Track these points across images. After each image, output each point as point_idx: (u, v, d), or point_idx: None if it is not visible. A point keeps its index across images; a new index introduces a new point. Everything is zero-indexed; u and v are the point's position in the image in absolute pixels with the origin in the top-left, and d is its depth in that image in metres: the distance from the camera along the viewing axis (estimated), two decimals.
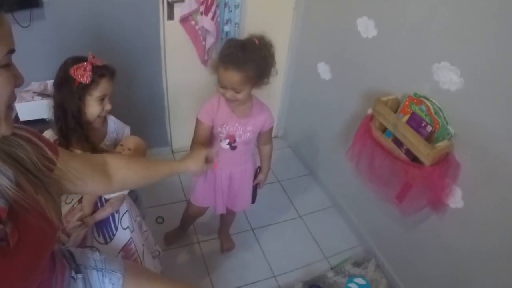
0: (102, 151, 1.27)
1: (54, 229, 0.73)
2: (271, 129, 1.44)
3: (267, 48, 1.21)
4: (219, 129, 1.34)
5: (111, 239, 1.23)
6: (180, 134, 2.35)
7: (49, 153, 0.73)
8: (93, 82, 1.15)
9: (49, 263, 0.83)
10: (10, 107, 0.59)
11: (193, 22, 1.87)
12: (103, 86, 1.18)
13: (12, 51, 0.56)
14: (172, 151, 2.44)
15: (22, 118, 1.56)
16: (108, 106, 1.22)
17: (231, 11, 1.86)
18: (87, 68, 1.13)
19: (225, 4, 1.83)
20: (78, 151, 1.17)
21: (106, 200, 1.26)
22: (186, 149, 2.27)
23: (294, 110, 2.45)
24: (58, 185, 0.75)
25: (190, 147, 1.37)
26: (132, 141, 1.33)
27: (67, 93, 1.15)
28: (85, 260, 0.95)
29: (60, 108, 1.18)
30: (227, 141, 1.36)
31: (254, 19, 1.97)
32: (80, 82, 1.13)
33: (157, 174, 1.01)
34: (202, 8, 1.77)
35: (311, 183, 2.29)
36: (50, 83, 1.80)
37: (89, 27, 1.83)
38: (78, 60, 1.15)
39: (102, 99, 1.20)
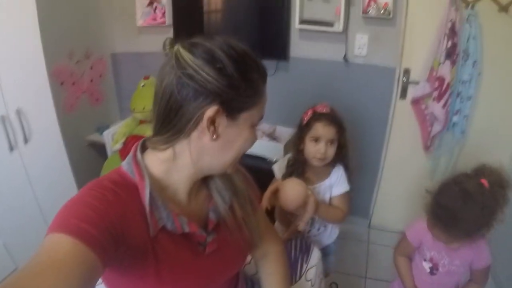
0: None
1: (245, 255, 0.83)
2: (485, 269, 1.20)
3: (499, 193, 1.00)
4: (425, 250, 1.26)
5: (290, 284, 1.23)
6: (384, 212, 2.30)
7: (254, 197, 0.82)
8: (308, 125, 1.33)
9: (233, 281, 0.89)
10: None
11: (423, 106, 1.94)
12: (315, 129, 1.31)
13: (262, 117, 0.67)
14: (369, 226, 2.37)
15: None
16: (322, 149, 1.29)
17: (462, 102, 1.86)
18: (309, 113, 1.34)
19: (458, 94, 1.85)
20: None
21: None
22: (383, 229, 2.24)
23: None
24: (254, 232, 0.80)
25: (393, 258, 1.36)
26: (288, 188, 1.22)
27: (296, 131, 1.40)
28: None
29: (292, 142, 1.42)
30: (430, 264, 1.25)
31: (485, 113, 1.88)
32: (302, 122, 1.35)
33: None
34: (435, 94, 1.81)
35: None
36: (278, 128, 2.21)
37: (324, 85, 2.05)
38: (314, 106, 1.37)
39: (315, 140, 1.31)
